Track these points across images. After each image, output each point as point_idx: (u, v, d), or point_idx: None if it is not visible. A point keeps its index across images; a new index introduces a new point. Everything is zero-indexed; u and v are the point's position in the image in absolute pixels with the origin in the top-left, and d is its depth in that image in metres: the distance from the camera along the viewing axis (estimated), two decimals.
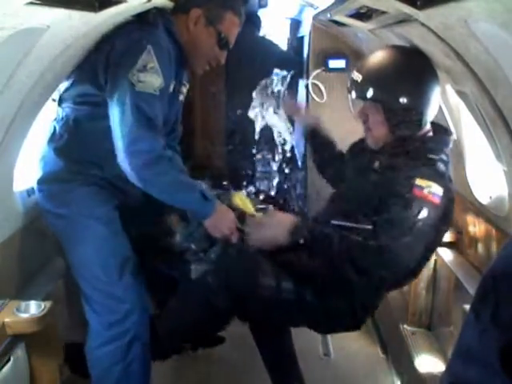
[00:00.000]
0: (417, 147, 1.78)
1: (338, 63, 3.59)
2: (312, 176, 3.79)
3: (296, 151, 4.36)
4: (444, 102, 2.34)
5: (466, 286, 2.11)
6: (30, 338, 1.74)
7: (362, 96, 1.80)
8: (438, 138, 1.86)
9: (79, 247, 1.88)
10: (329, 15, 2.77)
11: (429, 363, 2.29)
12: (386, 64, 1.81)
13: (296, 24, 5.08)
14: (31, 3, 1.21)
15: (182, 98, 2.12)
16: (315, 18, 3.51)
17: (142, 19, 1.87)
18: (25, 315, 1.70)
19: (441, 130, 1.94)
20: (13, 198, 2.05)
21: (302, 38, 4.27)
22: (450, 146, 1.87)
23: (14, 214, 2.06)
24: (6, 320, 1.67)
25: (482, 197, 2.25)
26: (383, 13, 1.98)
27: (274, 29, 5.91)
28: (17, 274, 2.07)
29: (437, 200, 1.64)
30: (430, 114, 1.85)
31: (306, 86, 3.69)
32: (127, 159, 1.75)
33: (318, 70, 3.62)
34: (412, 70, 1.80)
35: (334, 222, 1.77)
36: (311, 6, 3.40)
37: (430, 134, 1.88)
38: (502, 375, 0.68)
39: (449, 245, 2.48)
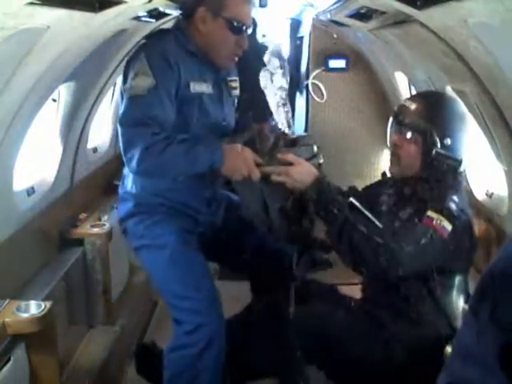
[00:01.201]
0: (437, 186, 1.80)
1: (337, 63, 3.59)
2: None
3: None
4: None
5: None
6: (30, 337, 1.74)
7: (408, 124, 1.81)
8: (456, 181, 1.86)
9: (159, 270, 1.99)
10: (329, 15, 2.77)
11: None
12: (441, 104, 1.84)
13: (296, 24, 5.08)
14: (31, 3, 1.22)
15: (236, 92, 2.11)
16: (315, 18, 3.52)
17: (148, 35, 1.95)
18: (25, 315, 1.70)
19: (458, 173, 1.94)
20: (13, 198, 2.05)
21: (302, 38, 4.27)
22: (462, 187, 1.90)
23: (14, 213, 2.06)
24: (6, 320, 1.67)
25: (481, 196, 2.25)
26: (383, 13, 1.98)
27: (274, 29, 5.91)
28: (17, 274, 2.07)
29: (445, 233, 1.68)
30: (460, 162, 1.84)
31: (306, 86, 3.70)
32: (128, 166, 1.81)
33: (318, 70, 3.62)
34: (463, 117, 1.83)
35: (352, 199, 1.75)
36: (311, 5, 3.40)
37: (451, 176, 1.86)
38: (500, 374, 0.68)
39: None
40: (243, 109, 2.39)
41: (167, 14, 2.45)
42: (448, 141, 1.77)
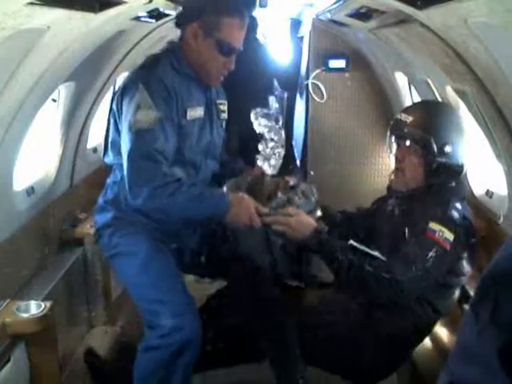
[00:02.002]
0: (440, 194, 1.84)
1: (337, 63, 3.59)
2: (311, 171, 3.80)
3: (295, 149, 4.36)
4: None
5: (465, 285, 2.11)
6: (30, 337, 1.74)
7: (407, 137, 1.83)
8: (459, 186, 1.90)
9: (132, 276, 1.98)
10: (329, 15, 2.77)
11: (428, 363, 2.29)
12: (436, 112, 1.86)
13: (296, 24, 5.08)
14: (31, 3, 1.22)
15: (224, 115, 2.14)
16: (315, 17, 3.52)
17: (143, 63, 1.91)
18: (25, 315, 1.70)
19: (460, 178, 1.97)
20: (13, 198, 2.05)
21: (302, 38, 4.27)
22: (466, 194, 1.94)
23: (14, 213, 2.06)
24: (6, 320, 1.67)
25: (482, 196, 2.25)
26: (383, 13, 1.98)
27: (274, 29, 5.92)
28: (17, 274, 2.07)
29: (447, 245, 1.72)
30: (462, 169, 1.88)
31: (306, 86, 3.69)
32: (132, 200, 1.82)
33: (318, 70, 3.62)
34: (460, 122, 1.85)
35: (351, 242, 1.79)
36: (311, 5, 3.40)
37: (453, 183, 1.90)
38: (500, 374, 0.68)
39: None
40: (231, 143, 2.44)
41: (167, 15, 2.45)
42: (448, 148, 1.79)
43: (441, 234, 1.71)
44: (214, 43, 1.88)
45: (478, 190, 2.29)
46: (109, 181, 2.05)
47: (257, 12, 4.46)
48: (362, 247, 1.78)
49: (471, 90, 1.83)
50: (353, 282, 1.75)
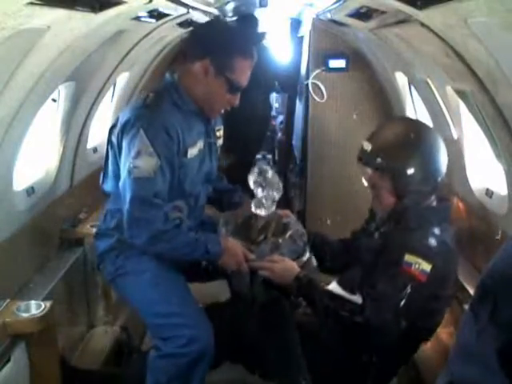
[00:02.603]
0: (416, 218, 1.81)
1: (338, 63, 3.59)
2: (311, 171, 3.80)
3: (295, 149, 4.37)
4: (444, 102, 2.35)
5: (465, 286, 2.11)
6: (30, 337, 1.74)
7: (370, 165, 1.85)
8: (439, 208, 1.87)
9: (140, 294, 1.98)
10: (329, 15, 2.77)
11: (429, 363, 2.29)
12: (394, 135, 1.85)
13: (296, 23, 5.08)
14: (31, 3, 1.22)
15: (219, 142, 2.17)
16: (315, 17, 3.51)
17: (144, 101, 1.90)
18: (25, 315, 1.70)
19: (442, 199, 1.93)
20: (13, 198, 2.05)
21: (302, 37, 4.27)
22: (449, 215, 1.90)
23: (14, 213, 2.06)
24: (6, 320, 1.67)
25: (481, 196, 2.25)
26: (383, 13, 1.98)
27: (274, 28, 5.92)
28: (17, 274, 2.07)
29: (423, 278, 1.67)
30: (437, 185, 1.85)
31: (306, 86, 3.69)
32: (130, 239, 1.86)
33: (318, 70, 3.62)
34: (419, 142, 1.82)
35: (327, 287, 1.84)
36: (311, 5, 3.40)
37: (434, 203, 1.87)
38: (500, 374, 0.68)
39: None
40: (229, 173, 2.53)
41: (167, 15, 2.45)
42: (410, 171, 1.77)
43: (417, 266, 1.67)
44: (224, 82, 1.89)
45: (478, 189, 2.29)
46: (108, 207, 2.07)
47: (257, 12, 4.46)
48: (340, 291, 1.81)
49: (471, 90, 1.83)
50: (330, 323, 1.82)
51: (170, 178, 1.86)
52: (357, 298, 1.76)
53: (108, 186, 2.02)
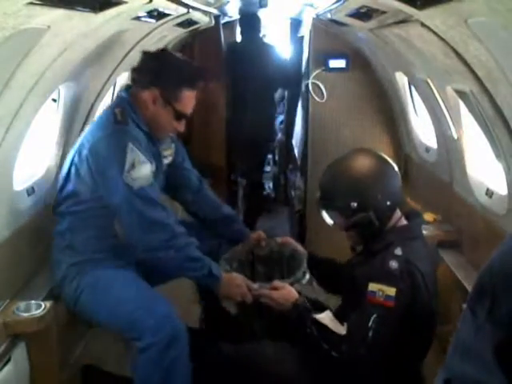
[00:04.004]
0: (378, 242, 1.81)
1: (337, 63, 3.59)
2: (311, 171, 3.80)
3: (295, 149, 4.36)
4: (444, 102, 2.35)
5: (466, 285, 2.11)
6: (30, 337, 1.74)
7: (322, 209, 1.92)
8: (404, 227, 1.85)
9: (100, 304, 1.97)
10: (329, 15, 2.77)
11: (428, 362, 2.29)
12: (331, 175, 1.93)
13: (296, 24, 5.08)
14: (31, 3, 1.22)
15: (166, 161, 2.24)
16: (315, 17, 3.52)
17: (115, 117, 1.96)
18: (25, 315, 1.70)
19: (413, 215, 1.91)
20: (13, 198, 2.05)
21: (302, 37, 4.27)
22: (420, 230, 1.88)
23: (14, 213, 2.06)
24: (6, 320, 1.67)
25: (481, 196, 2.25)
26: (383, 13, 1.98)
27: (274, 28, 5.93)
28: (17, 274, 2.07)
29: (390, 303, 1.65)
30: (386, 211, 1.81)
31: (306, 86, 3.70)
32: (142, 247, 1.93)
33: (318, 70, 3.62)
34: (354, 174, 1.84)
35: (316, 316, 1.81)
36: (311, 5, 3.40)
37: (401, 223, 1.85)
38: (497, 371, 0.69)
39: (449, 245, 2.47)
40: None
41: (167, 15, 2.45)
42: (353, 204, 1.78)
43: (381, 293, 1.65)
44: (171, 112, 2.01)
45: (478, 189, 2.29)
46: (58, 229, 2.07)
47: (258, 12, 4.46)
48: (327, 322, 1.78)
49: (471, 90, 1.83)
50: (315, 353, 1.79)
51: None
52: (343, 330, 1.73)
53: (60, 209, 2.05)
